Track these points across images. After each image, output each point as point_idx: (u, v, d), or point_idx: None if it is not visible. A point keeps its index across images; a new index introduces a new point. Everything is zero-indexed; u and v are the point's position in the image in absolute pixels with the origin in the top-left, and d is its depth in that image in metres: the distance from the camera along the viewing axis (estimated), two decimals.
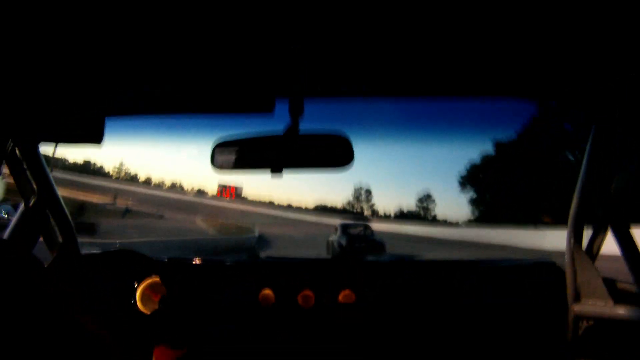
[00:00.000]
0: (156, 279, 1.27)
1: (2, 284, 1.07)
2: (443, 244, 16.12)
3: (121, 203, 25.05)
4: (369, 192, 45.65)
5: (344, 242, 11.05)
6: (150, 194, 34.20)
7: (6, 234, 1.23)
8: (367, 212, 44.11)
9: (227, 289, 1.32)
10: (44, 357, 1.16)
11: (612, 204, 1.06)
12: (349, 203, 43.04)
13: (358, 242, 11.16)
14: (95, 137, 0.97)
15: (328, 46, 0.79)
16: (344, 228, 12.14)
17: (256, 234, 17.10)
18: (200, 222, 21.64)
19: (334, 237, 11.76)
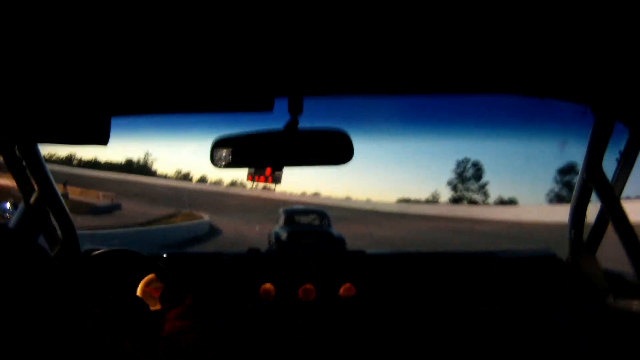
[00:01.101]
0: (152, 276, 1.28)
1: (11, 271, 1.09)
2: None
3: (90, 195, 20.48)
4: (477, 168, 30.91)
5: (284, 236, 7.60)
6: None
7: None
8: (477, 197, 30.52)
9: (228, 282, 1.33)
10: (52, 345, 1.18)
11: (612, 197, 1.07)
12: (449, 183, 31.43)
13: (306, 237, 7.68)
14: (100, 137, 0.97)
15: (327, 45, 0.79)
16: (288, 216, 8.38)
17: (207, 220, 13.86)
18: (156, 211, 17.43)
19: (275, 229, 8.26)
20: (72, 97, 0.93)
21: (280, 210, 8.68)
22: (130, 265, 1.29)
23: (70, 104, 0.94)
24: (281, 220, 8.31)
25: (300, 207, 10.24)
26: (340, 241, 7.88)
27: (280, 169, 1.03)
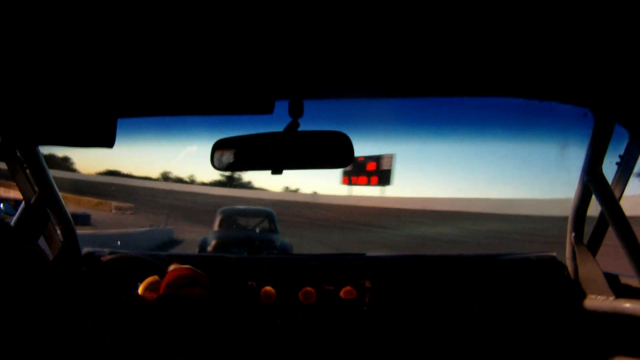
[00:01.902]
0: (155, 277, 1.28)
1: (11, 271, 1.09)
2: None
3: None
4: None
5: (212, 243, 5.89)
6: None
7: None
8: None
9: (228, 285, 1.33)
10: (52, 346, 1.18)
11: (612, 199, 1.07)
12: None
13: (239, 245, 5.72)
14: (105, 140, 0.97)
15: (327, 47, 0.79)
16: (225, 218, 6.76)
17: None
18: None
19: (207, 234, 6.56)
20: (76, 99, 0.94)
21: (218, 211, 6.95)
22: (135, 270, 1.30)
23: (75, 106, 0.95)
24: (215, 224, 6.59)
25: (242, 207, 8.60)
26: (284, 250, 6.13)
27: (280, 172, 1.03)
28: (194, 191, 26.58)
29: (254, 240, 5.98)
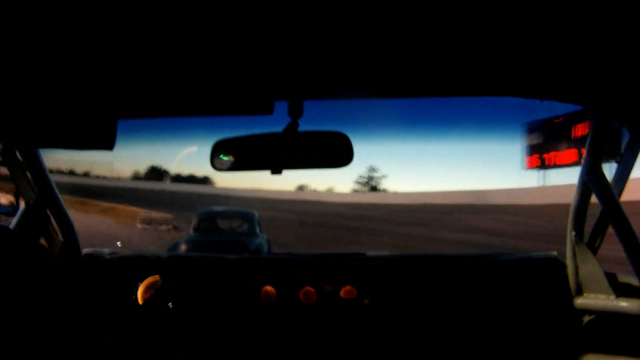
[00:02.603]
0: (157, 277, 1.28)
1: (12, 272, 1.10)
2: None
3: None
4: None
5: (182, 249, 5.38)
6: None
7: None
8: None
9: (229, 285, 1.34)
10: (52, 346, 1.18)
11: (612, 197, 1.07)
12: None
13: (217, 250, 5.34)
14: (106, 142, 0.97)
15: (327, 48, 0.79)
16: (203, 220, 6.28)
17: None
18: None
19: (179, 241, 6.07)
20: (76, 101, 0.94)
21: (194, 213, 6.50)
22: (136, 268, 1.30)
23: (75, 108, 0.95)
24: (191, 227, 6.14)
25: (221, 208, 8.05)
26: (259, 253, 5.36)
27: (280, 172, 1.03)
28: (326, 200, 24.75)
29: (228, 245, 5.52)
